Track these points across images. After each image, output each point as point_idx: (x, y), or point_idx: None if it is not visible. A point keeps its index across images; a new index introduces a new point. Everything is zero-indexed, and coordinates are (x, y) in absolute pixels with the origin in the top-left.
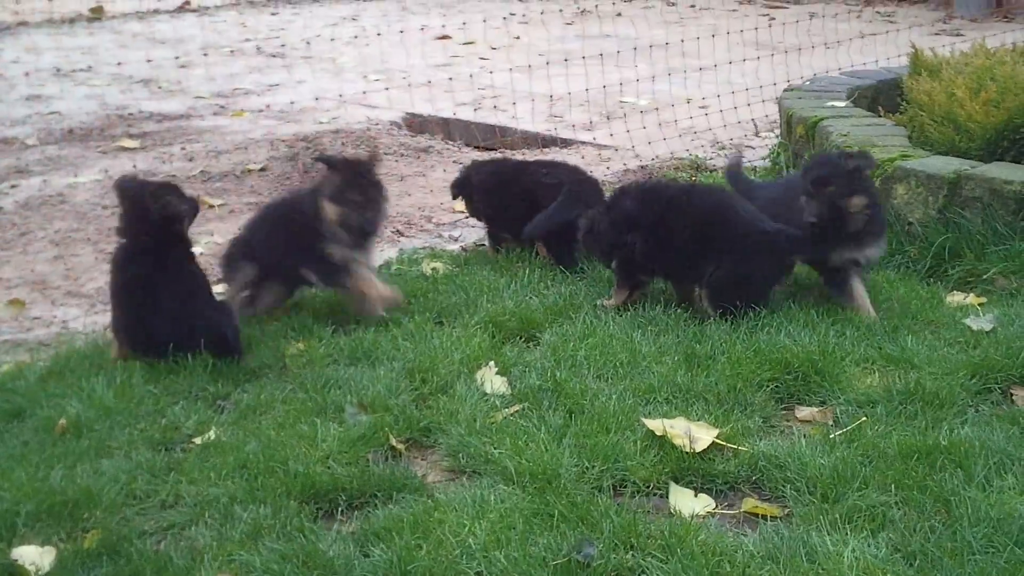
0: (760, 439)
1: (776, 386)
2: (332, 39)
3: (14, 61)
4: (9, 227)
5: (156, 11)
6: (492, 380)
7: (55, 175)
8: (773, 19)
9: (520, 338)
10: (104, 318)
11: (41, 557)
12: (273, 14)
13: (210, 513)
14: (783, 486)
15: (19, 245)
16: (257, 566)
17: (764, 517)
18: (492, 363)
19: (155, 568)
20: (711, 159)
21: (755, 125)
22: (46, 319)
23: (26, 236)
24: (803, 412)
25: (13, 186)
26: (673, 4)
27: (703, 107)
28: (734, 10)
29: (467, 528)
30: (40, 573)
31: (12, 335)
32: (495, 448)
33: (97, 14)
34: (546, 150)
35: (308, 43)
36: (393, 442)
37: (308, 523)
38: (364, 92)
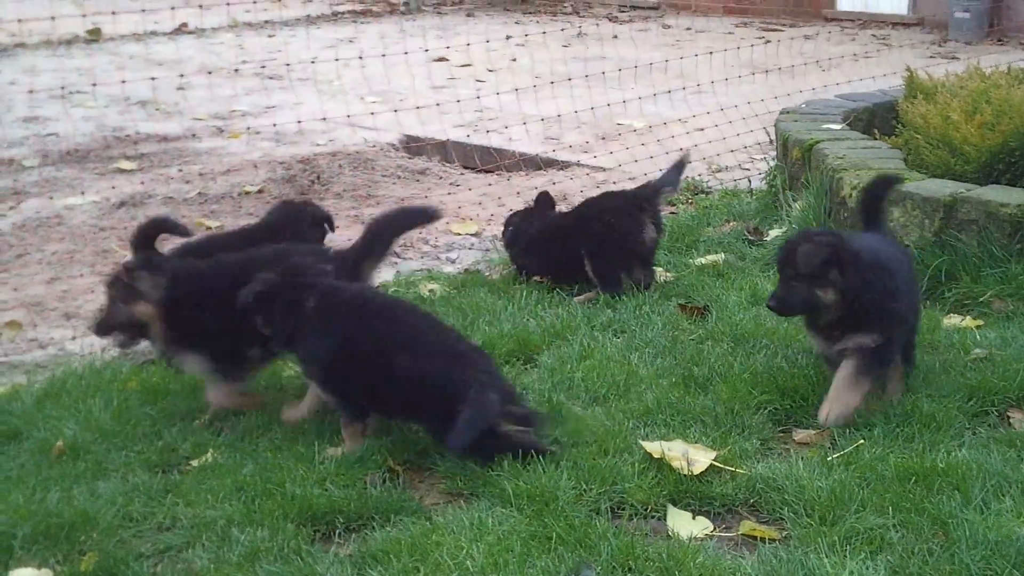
0: (758, 461)
1: (774, 409)
2: (330, 61)
3: (11, 83)
4: (6, 248)
5: (153, 33)
6: None
7: (53, 196)
8: (768, 41)
9: (518, 360)
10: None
11: None
12: (270, 36)
13: (207, 536)
14: (781, 508)
15: (16, 267)
16: None
17: (762, 539)
18: None
19: None
20: (707, 181)
21: (750, 148)
22: (43, 341)
23: (23, 258)
24: (801, 435)
25: (11, 207)
26: (669, 27)
27: (699, 129)
28: (730, 32)
29: (465, 551)
30: None
31: (8, 357)
32: (492, 470)
33: (95, 36)
34: (542, 172)
35: (305, 65)
36: (391, 464)
37: (305, 545)
38: (361, 114)
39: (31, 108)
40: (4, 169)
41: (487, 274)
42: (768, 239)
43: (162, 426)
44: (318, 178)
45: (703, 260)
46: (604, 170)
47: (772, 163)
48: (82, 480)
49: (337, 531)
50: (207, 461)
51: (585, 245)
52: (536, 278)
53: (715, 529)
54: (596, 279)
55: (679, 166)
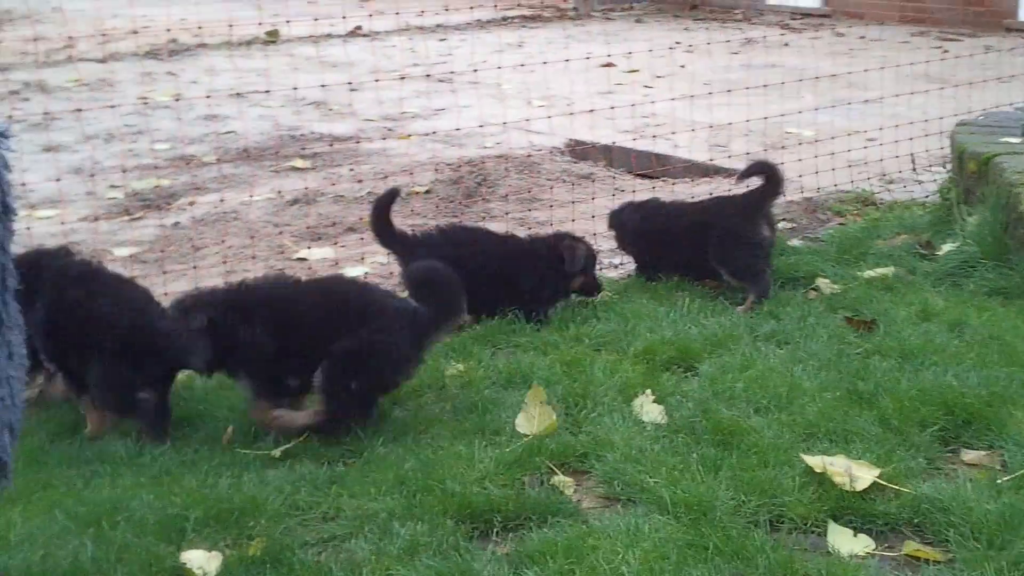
0: (923, 481)
1: (941, 427)
2: (498, 65)
3: (194, 82)
4: (185, 241)
5: (329, 35)
6: (649, 408)
7: (229, 192)
8: (946, 52)
9: (678, 367)
10: None
11: (208, 562)
12: (441, 40)
13: (369, 527)
14: (946, 530)
15: (194, 259)
16: None
17: (926, 561)
18: (649, 391)
19: None
20: (877, 192)
21: (923, 159)
22: None
23: (201, 251)
24: (969, 455)
25: (190, 202)
26: (841, 35)
27: (870, 140)
28: (905, 42)
29: (620, 556)
30: None
31: None
32: (650, 477)
33: (273, 37)
34: (707, 179)
35: (474, 69)
36: (548, 466)
37: (464, 542)
38: (527, 118)
39: (210, 107)
40: (185, 165)
41: (650, 279)
42: (941, 254)
43: None
44: (484, 180)
45: (872, 273)
46: None
47: (946, 176)
48: (252, 468)
49: (495, 530)
50: (370, 455)
51: (714, 254)
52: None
53: (877, 548)
54: (742, 282)
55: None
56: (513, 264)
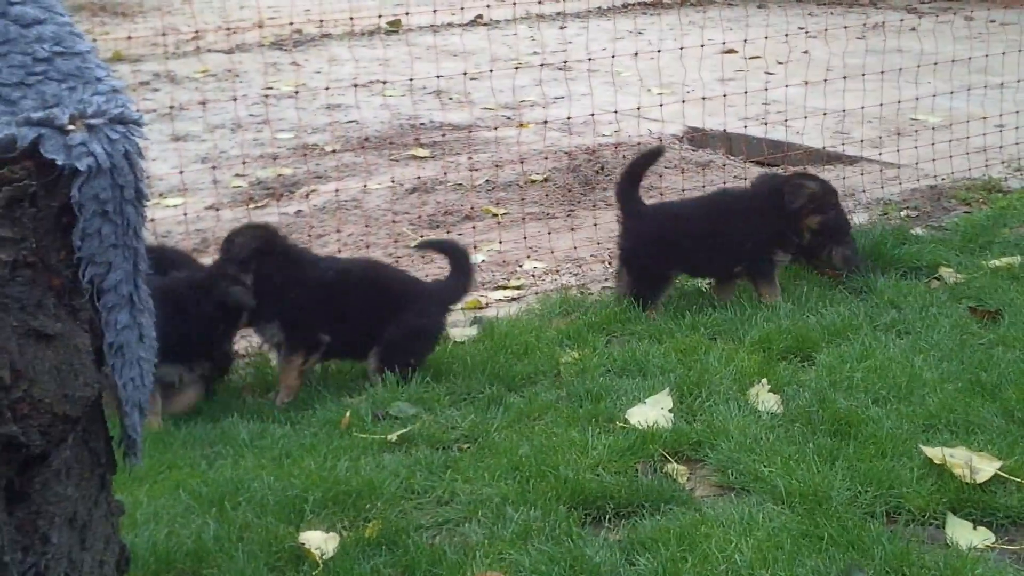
0: None
1: None
2: (617, 53)
3: (317, 71)
4: (307, 229)
5: (450, 24)
6: (764, 398)
7: (350, 181)
8: None
9: (795, 357)
10: None
11: (326, 542)
12: (561, 28)
13: (483, 512)
14: None
15: (315, 247)
16: (526, 566)
17: None
18: (765, 380)
19: (430, 560)
20: (1005, 180)
21: None
22: None
23: (322, 239)
24: None
25: (312, 191)
26: (971, 19)
27: (999, 126)
28: None
29: (734, 544)
30: (324, 557)
31: None
32: (765, 466)
33: (395, 27)
34: (829, 166)
35: (594, 56)
36: (662, 454)
37: (576, 528)
38: (646, 106)
39: (332, 96)
40: (308, 154)
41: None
42: None
43: (444, 404)
44: (602, 168)
45: (997, 262)
46: (896, 166)
47: None
48: (369, 452)
49: (607, 516)
50: (484, 440)
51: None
52: None
53: (997, 541)
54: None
55: None
56: (735, 218)
